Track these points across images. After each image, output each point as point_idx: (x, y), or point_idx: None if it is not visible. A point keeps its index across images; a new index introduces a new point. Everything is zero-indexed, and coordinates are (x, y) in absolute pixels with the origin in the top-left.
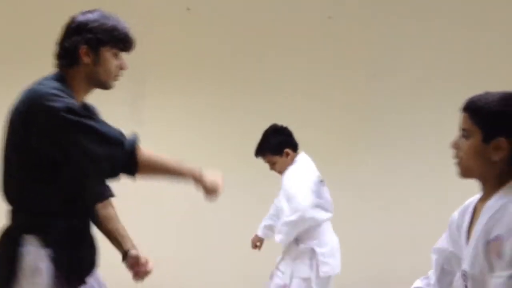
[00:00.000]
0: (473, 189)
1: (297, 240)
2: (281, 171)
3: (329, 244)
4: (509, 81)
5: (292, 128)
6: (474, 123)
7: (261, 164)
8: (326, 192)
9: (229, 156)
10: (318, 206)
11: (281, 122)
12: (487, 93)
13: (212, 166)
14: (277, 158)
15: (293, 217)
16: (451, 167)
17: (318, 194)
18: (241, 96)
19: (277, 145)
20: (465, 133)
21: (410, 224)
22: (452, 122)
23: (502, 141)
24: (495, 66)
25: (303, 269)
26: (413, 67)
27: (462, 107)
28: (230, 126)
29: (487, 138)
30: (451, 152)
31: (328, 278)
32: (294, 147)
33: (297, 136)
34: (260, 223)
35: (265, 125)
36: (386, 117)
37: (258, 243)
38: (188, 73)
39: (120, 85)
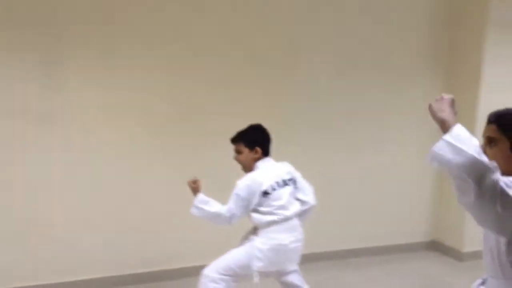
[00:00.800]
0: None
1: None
2: (241, 162)
3: (271, 243)
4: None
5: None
6: (502, 133)
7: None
8: (285, 194)
9: (156, 126)
10: (258, 212)
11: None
12: (509, 109)
13: (136, 137)
14: (246, 150)
15: (222, 211)
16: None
17: (261, 204)
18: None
19: (254, 139)
20: (492, 141)
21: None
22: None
23: None
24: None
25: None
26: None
27: (489, 119)
28: (158, 92)
29: None
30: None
31: (258, 272)
32: (265, 151)
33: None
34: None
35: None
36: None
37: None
38: (114, 29)
39: (32, 42)
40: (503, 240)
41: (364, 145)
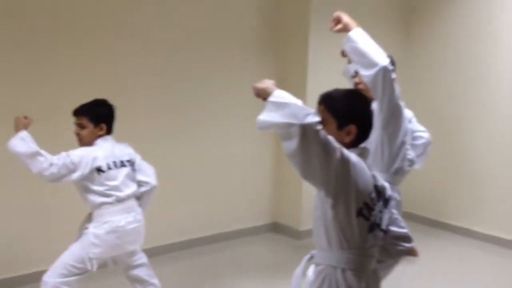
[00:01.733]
0: None
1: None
2: (83, 137)
3: (106, 226)
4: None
5: None
6: (331, 114)
7: None
8: (121, 175)
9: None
10: (91, 192)
11: None
12: (336, 90)
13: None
14: (90, 125)
15: (46, 154)
16: None
17: (93, 181)
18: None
19: (100, 115)
20: (321, 121)
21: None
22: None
23: (352, 127)
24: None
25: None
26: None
27: (319, 100)
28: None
29: (341, 125)
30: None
31: (97, 259)
32: (109, 129)
33: None
34: None
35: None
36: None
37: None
38: None
39: None
40: (329, 202)
41: (198, 130)
